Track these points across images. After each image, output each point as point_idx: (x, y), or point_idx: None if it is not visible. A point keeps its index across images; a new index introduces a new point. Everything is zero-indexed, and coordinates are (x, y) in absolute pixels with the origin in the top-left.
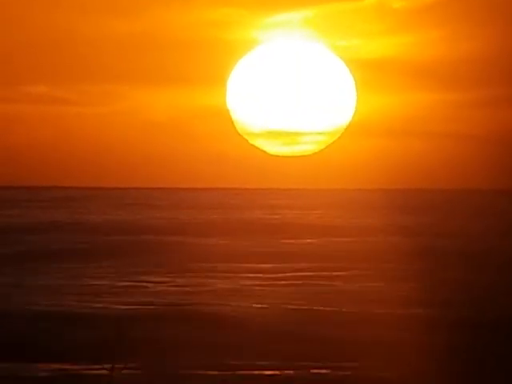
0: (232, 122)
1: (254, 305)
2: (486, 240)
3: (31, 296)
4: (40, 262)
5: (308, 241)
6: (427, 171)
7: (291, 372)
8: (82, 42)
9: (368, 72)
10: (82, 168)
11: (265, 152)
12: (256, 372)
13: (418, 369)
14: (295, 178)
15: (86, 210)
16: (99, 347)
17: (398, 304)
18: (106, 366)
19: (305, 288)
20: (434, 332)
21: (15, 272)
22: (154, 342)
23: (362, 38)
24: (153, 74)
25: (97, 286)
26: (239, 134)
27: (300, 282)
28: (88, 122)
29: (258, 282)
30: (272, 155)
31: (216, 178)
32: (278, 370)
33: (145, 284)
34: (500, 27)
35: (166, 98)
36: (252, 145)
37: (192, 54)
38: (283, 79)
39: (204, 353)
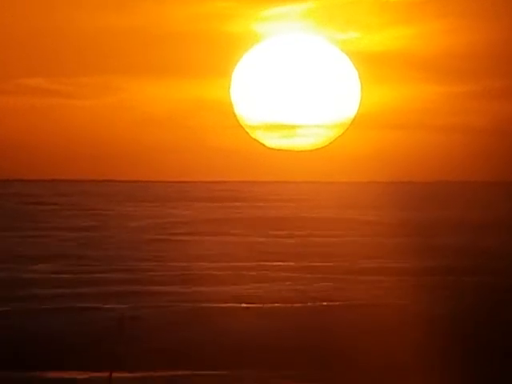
0: (234, 115)
1: None
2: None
3: None
4: None
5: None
6: (432, 164)
7: None
8: (79, 35)
9: (369, 65)
10: (80, 161)
11: (267, 145)
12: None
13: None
14: (305, 171)
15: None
16: None
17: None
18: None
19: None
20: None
21: None
22: None
23: (362, 31)
24: (151, 67)
25: None
26: (241, 127)
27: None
28: (86, 114)
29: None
30: (277, 149)
31: (216, 171)
32: None
33: None
34: (503, 19)
35: (164, 90)
36: (253, 138)
37: (191, 47)
38: (289, 73)
39: None
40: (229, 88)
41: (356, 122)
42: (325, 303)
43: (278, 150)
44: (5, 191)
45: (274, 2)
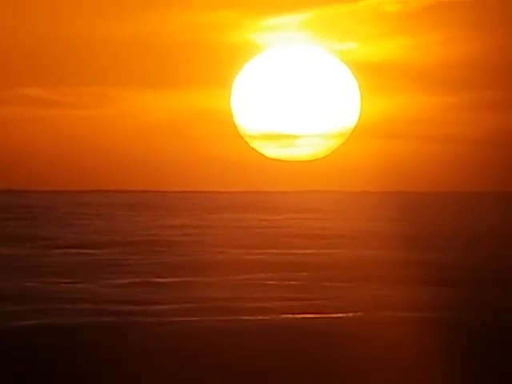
0: (234, 125)
1: None
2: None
3: None
4: None
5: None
6: (428, 174)
7: None
8: (78, 45)
9: (366, 75)
10: (79, 171)
11: (267, 155)
12: None
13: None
14: (304, 181)
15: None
16: None
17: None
18: None
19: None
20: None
21: None
22: None
23: (360, 41)
24: (151, 77)
25: None
26: (241, 137)
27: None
28: (86, 124)
29: None
30: (277, 159)
31: (215, 180)
32: None
33: None
34: (499, 30)
35: (164, 100)
36: (253, 148)
37: (191, 56)
38: (289, 83)
39: None
40: (229, 98)
41: (355, 132)
42: (324, 315)
43: (278, 159)
44: (4, 201)
45: (274, 12)
